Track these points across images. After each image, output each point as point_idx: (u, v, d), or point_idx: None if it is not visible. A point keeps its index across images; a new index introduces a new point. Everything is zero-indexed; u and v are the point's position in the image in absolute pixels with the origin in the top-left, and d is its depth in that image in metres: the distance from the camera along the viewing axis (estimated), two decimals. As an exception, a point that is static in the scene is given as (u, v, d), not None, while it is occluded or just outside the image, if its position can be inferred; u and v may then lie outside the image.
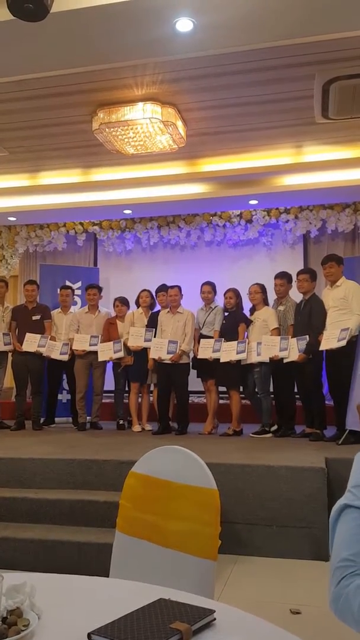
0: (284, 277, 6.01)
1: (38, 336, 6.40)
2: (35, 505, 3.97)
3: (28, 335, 6.38)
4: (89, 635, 1.05)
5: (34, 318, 6.54)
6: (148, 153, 6.03)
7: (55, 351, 6.44)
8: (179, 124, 5.53)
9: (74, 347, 6.42)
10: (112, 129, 5.44)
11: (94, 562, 3.46)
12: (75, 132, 5.92)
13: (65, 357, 6.44)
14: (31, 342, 6.36)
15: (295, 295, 5.97)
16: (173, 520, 1.63)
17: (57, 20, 3.50)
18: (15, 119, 5.63)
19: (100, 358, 6.29)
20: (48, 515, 3.91)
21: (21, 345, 6.38)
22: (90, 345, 6.36)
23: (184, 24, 3.71)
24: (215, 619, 1.12)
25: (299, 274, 5.83)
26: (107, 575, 1.64)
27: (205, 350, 5.94)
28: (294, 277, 5.94)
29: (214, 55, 4.40)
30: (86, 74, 4.72)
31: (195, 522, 1.58)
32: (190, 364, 6.11)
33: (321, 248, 7.77)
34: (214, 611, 1.13)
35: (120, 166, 6.83)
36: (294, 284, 5.95)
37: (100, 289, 6.80)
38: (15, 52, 4.01)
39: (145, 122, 5.30)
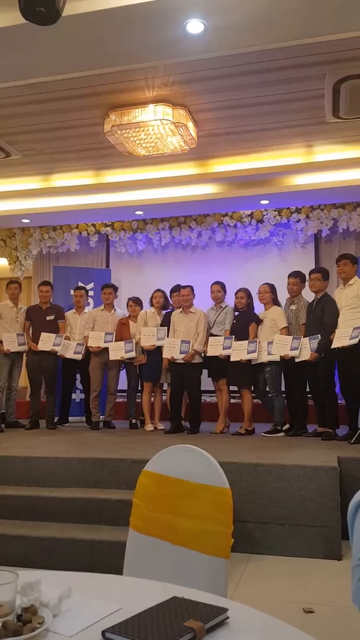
0: (297, 276, 5.98)
1: (53, 335, 6.43)
2: (49, 504, 4.00)
3: (43, 335, 6.42)
4: (103, 633, 1.06)
5: (48, 318, 6.58)
6: (159, 154, 6.05)
7: (70, 350, 6.49)
8: (190, 125, 5.55)
9: (89, 345, 6.44)
10: (123, 131, 5.47)
11: (107, 560, 3.48)
12: (88, 134, 5.96)
13: (79, 357, 6.47)
14: (46, 342, 6.40)
15: (308, 295, 5.95)
16: (186, 519, 1.64)
17: (69, 23, 3.52)
18: (27, 122, 5.68)
19: (112, 357, 6.32)
20: (62, 513, 3.93)
21: (36, 344, 6.43)
22: (105, 342, 6.39)
23: (195, 26, 3.72)
24: (228, 617, 1.12)
25: (311, 273, 5.81)
26: (120, 573, 1.65)
27: (215, 348, 5.93)
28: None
29: (225, 56, 4.41)
30: (98, 77, 4.74)
31: (208, 521, 1.59)
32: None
33: (332, 247, 7.74)
34: (227, 609, 1.13)
35: (131, 168, 6.85)
36: (306, 283, 5.94)
37: (115, 288, 6.85)
38: (27, 55, 4.04)
39: (157, 123, 5.32)
